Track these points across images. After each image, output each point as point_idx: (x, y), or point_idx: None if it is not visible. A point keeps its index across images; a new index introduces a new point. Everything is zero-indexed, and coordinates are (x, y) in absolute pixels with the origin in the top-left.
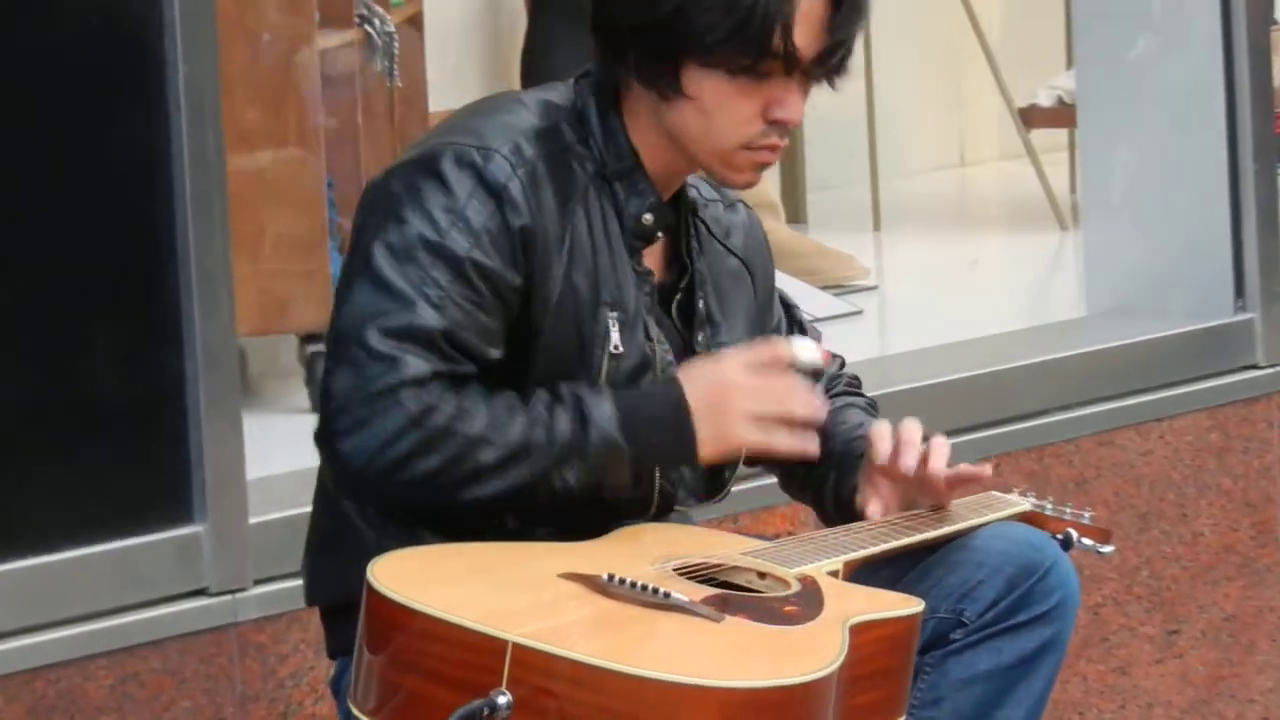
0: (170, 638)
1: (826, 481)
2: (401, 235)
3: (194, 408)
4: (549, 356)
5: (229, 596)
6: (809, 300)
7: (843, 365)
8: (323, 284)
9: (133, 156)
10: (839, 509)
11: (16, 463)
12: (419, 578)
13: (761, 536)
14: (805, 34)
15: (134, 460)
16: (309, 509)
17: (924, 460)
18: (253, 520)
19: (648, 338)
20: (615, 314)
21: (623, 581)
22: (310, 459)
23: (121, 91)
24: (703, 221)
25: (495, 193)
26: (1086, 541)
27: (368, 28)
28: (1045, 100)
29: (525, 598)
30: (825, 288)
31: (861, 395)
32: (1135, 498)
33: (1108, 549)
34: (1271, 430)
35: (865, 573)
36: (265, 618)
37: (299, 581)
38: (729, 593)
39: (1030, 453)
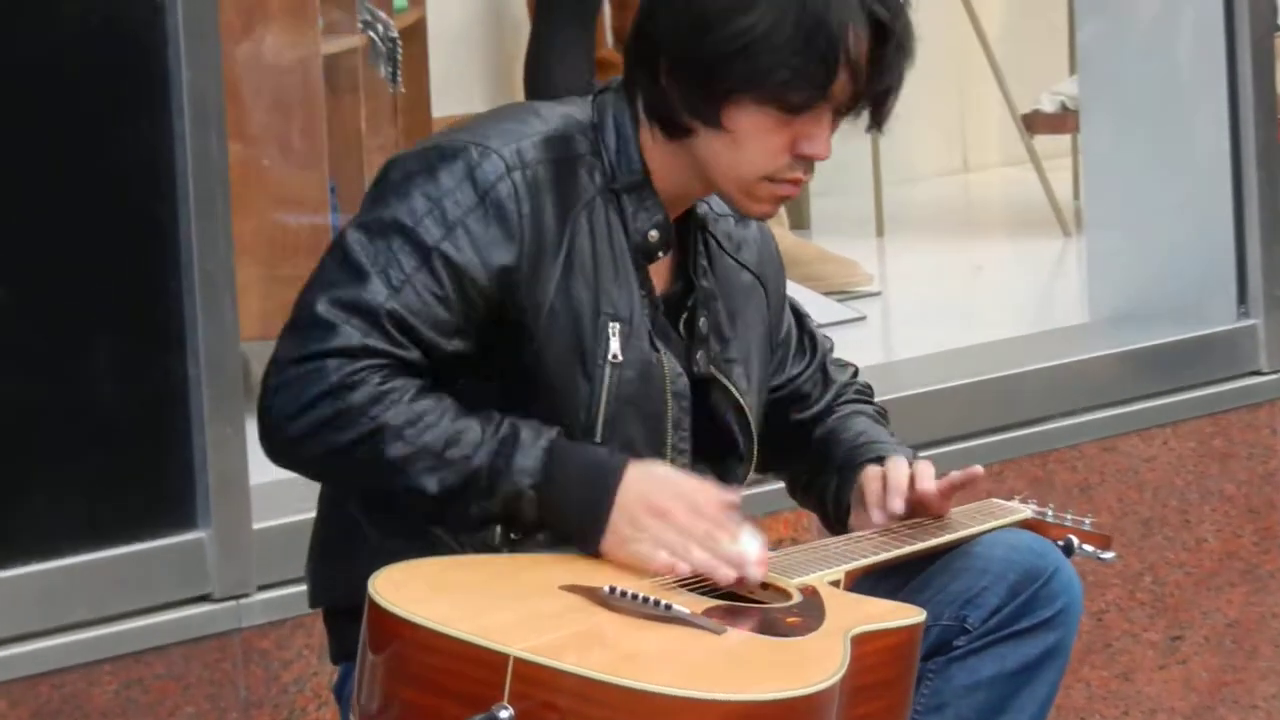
0: (174, 643)
1: (829, 489)
2: (378, 217)
3: (197, 413)
4: (549, 364)
5: (233, 602)
6: (812, 306)
7: (855, 374)
8: None
9: (136, 161)
10: (840, 516)
11: (20, 468)
12: (420, 590)
13: None
14: (856, 75)
15: (137, 466)
16: (313, 514)
17: (911, 484)
18: (256, 525)
19: (654, 347)
20: (616, 324)
21: (624, 594)
22: None
23: (125, 96)
24: (713, 236)
25: (482, 190)
26: (1088, 548)
27: (371, 33)
28: (1048, 106)
29: (527, 610)
30: (829, 294)
31: (870, 403)
32: (1138, 503)
33: (1109, 555)
34: (1275, 436)
35: (867, 582)
36: (269, 623)
37: (303, 587)
38: (731, 604)
39: (1034, 458)
